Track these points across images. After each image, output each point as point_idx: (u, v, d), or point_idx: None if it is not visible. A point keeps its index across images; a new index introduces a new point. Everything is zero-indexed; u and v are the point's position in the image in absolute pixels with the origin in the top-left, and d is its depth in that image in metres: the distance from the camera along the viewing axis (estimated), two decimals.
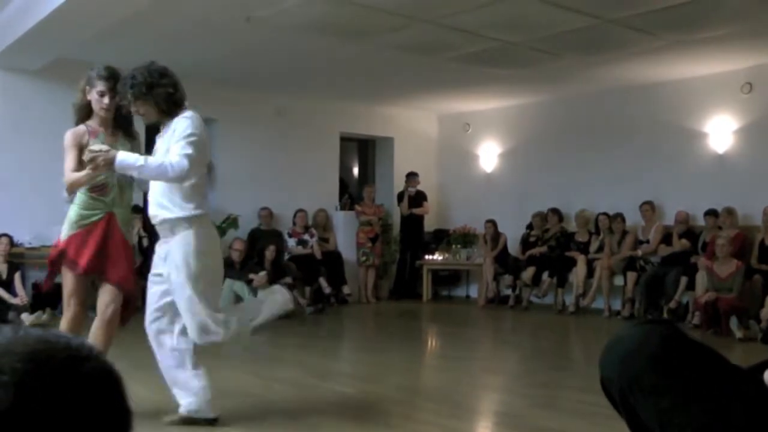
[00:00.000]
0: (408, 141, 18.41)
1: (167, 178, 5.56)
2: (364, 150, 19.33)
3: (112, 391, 1.15)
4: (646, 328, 1.85)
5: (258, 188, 15.48)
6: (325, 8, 10.33)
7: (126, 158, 5.57)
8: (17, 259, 12.65)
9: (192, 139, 5.55)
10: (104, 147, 5.72)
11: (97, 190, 6.20)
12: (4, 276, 12.27)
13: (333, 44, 12.18)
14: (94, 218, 6.17)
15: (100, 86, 6.14)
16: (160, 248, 5.91)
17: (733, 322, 11.44)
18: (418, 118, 18.56)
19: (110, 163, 5.59)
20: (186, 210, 5.70)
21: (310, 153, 16.73)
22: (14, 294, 12.18)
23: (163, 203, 5.74)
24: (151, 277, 5.96)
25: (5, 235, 12.50)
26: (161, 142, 5.76)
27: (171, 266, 5.73)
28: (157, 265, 5.93)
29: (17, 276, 12.34)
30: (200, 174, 5.78)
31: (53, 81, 13.20)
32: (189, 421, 5.88)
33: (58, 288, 12.37)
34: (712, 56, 12.76)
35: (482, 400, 7.88)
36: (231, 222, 14.91)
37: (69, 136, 6.27)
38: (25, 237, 12.99)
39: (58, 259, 6.12)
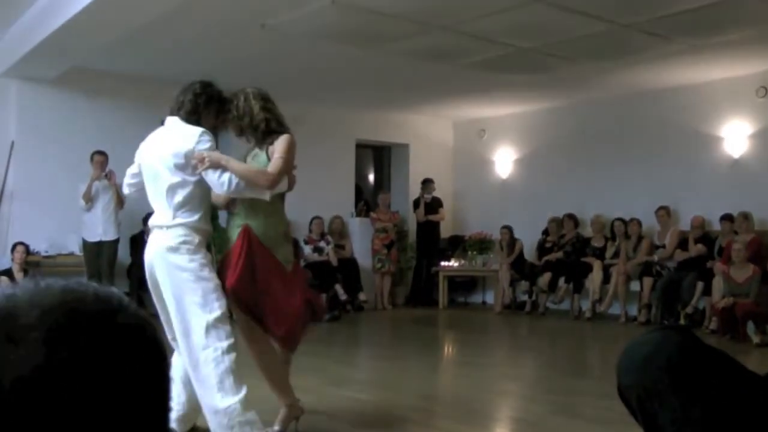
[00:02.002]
0: (423, 147, 18.42)
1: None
2: (380, 157, 19.34)
3: (147, 341, 1.11)
4: (662, 334, 1.85)
5: None
6: (339, 15, 10.35)
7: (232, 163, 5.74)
8: (33, 268, 12.68)
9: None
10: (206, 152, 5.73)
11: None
12: None
13: (348, 51, 12.21)
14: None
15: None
16: None
17: (750, 327, 11.40)
18: (433, 124, 18.57)
19: (216, 162, 5.66)
20: None
21: (326, 160, 16.72)
22: None
23: None
24: None
25: (21, 243, 12.52)
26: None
27: None
28: None
29: None
30: None
31: (69, 90, 13.30)
32: None
33: None
34: (726, 61, 12.74)
35: (500, 406, 7.88)
36: None
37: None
38: (41, 245, 13.02)
39: None
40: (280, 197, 5.95)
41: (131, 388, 1.05)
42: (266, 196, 5.66)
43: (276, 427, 6.07)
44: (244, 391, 5.50)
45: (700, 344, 1.83)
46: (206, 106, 5.91)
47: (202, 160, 5.52)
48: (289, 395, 6.05)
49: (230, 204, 5.91)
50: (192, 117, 5.82)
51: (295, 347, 6.18)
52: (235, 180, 5.53)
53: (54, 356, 1.00)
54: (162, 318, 5.71)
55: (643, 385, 1.77)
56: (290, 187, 6.01)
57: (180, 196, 5.62)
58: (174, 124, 5.83)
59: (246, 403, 5.48)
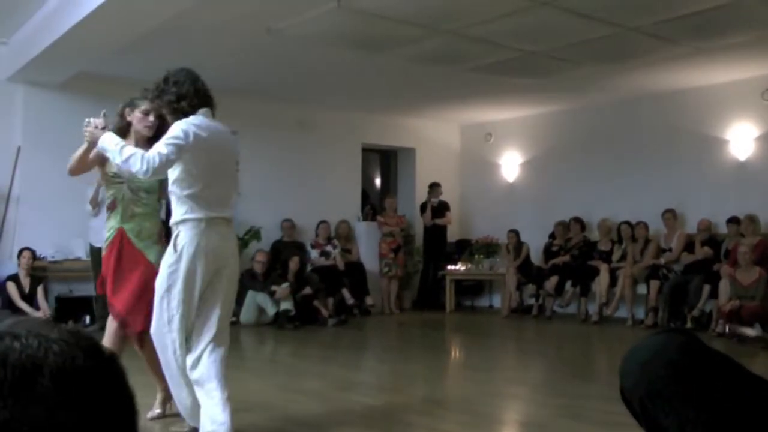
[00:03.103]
0: (430, 151, 18.44)
1: (132, 170, 5.43)
2: (387, 161, 19.35)
3: (115, 379, 1.11)
4: (664, 337, 1.86)
5: (280, 200, 15.51)
6: (345, 19, 10.38)
7: (109, 139, 5.53)
8: (40, 273, 12.72)
9: (172, 141, 5.40)
10: (100, 123, 5.76)
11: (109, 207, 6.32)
12: (27, 290, 12.33)
13: (354, 55, 12.23)
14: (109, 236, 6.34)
15: (145, 105, 6.14)
16: None
17: (756, 329, 11.40)
18: (440, 128, 18.58)
19: (95, 138, 5.63)
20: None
21: (332, 164, 16.76)
22: (37, 308, 12.25)
23: None
24: None
25: (28, 249, 12.54)
26: None
27: None
28: None
29: (40, 289, 12.40)
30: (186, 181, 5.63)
31: (75, 95, 13.30)
32: None
33: (78, 301, 12.35)
34: (732, 63, 12.74)
35: (507, 410, 7.87)
36: (253, 234, 14.95)
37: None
38: (47, 251, 13.05)
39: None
40: (157, 200, 6.30)
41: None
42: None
43: (157, 410, 6.49)
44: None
45: (703, 347, 1.84)
46: None
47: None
48: (164, 380, 6.10)
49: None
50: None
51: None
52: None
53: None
54: (187, 314, 5.65)
55: (645, 388, 1.78)
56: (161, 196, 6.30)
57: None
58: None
59: None
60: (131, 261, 6.21)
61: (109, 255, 6.31)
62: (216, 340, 5.63)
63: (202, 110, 5.69)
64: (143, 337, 6.16)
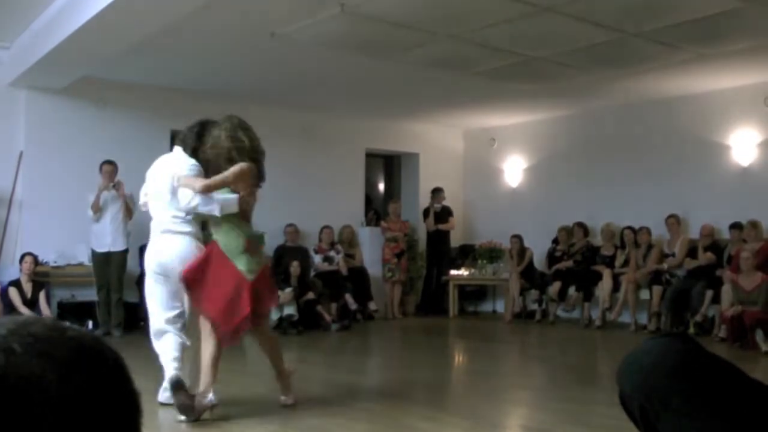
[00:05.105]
0: (433, 156, 18.43)
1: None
2: (390, 166, 19.35)
3: (119, 375, 1.12)
4: (663, 342, 1.86)
5: (284, 205, 15.45)
6: (349, 24, 10.39)
7: None
8: (42, 278, 12.66)
9: None
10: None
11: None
12: (29, 295, 12.27)
13: (357, 60, 12.25)
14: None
15: None
16: None
17: (759, 335, 11.38)
18: (443, 133, 18.58)
19: None
20: None
21: (336, 169, 16.76)
22: (39, 313, 12.18)
23: None
24: None
25: (30, 254, 12.48)
26: None
27: None
28: None
29: (42, 295, 12.35)
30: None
31: (78, 100, 13.33)
32: None
33: (81, 306, 12.35)
34: (734, 69, 12.75)
35: (510, 415, 7.88)
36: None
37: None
38: (50, 256, 13.00)
39: None
40: (236, 216, 6.86)
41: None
42: (216, 212, 6.75)
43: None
44: None
45: (702, 352, 1.83)
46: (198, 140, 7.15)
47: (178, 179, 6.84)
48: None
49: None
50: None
51: (227, 344, 6.98)
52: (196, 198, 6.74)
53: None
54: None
55: (645, 393, 1.78)
56: (246, 212, 6.98)
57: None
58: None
59: None
60: (220, 269, 6.78)
61: (199, 264, 6.87)
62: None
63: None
64: (258, 329, 7.13)
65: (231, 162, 6.83)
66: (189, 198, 6.76)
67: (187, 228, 7.00)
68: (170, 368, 6.79)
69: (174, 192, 6.91)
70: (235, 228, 6.87)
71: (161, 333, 7.00)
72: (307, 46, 11.44)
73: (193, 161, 7.02)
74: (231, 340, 6.96)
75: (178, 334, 6.98)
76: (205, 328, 6.79)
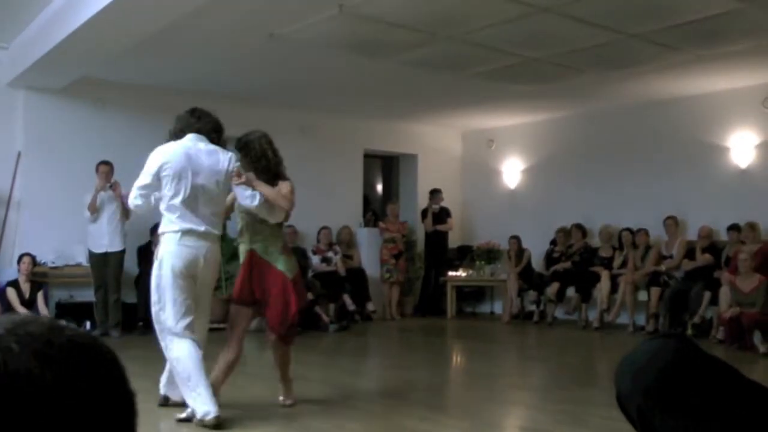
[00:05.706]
0: (432, 157, 18.44)
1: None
2: (388, 167, 19.36)
3: (116, 376, 1.12)
4: (661, 343, 1.86)
5: None
6: (347, 25, 10.39)
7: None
8: (40, 279, 12.65)
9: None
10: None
11: None
12: (27, 295, 12.26)
13: (356, 61, 12.25)
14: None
15: None
16: None
17: (757, 336, 11.40)
18: (441, 134, 18.59)
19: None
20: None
21: (334, 170, 16.75)
22: (37, 313, 12.16)
23: None
24: None
25: (28, 254, 12.47)
26: None
27: None
28: None
29: (40, 295, 12.34)
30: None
31: (77, 100, 13.32)
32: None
33: (79, 307, 12.34)
34: (733, 71, 12.75)
35: (508, 416, 7.89)
36: None
37: None
38: (48, 256, 12.99)
39: None
40: (278, 224, 7.25)
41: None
42: (271, 219, 7.05)
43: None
44: None
45: (699, 352, 1.83)
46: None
47: (239, 176, 6.93)
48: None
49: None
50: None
51: (290, 341, 7.35)
52: (262, 197, 6.93)
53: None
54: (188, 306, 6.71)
55: (641, 394, 1.77)
56: (286, 219, 7.44)
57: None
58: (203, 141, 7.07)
59: None
60: (267, 275, 7.09)
61: (245, 279, 7.14)
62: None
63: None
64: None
65: (275, 177, 7.39)
66: (258, 199, 6.95)
67: (219, 231, 7.06)
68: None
69: (222, 188, 6.99)
70: (276, 232, 7.24)
71: (178, 337, 6.56)
72: (305, 46, 11.44)
73: (231, 153, 7.17)
74: (291, 337, 7.31)
75: (197, 344, 6.62)
76: (234, 337, 7.07)
